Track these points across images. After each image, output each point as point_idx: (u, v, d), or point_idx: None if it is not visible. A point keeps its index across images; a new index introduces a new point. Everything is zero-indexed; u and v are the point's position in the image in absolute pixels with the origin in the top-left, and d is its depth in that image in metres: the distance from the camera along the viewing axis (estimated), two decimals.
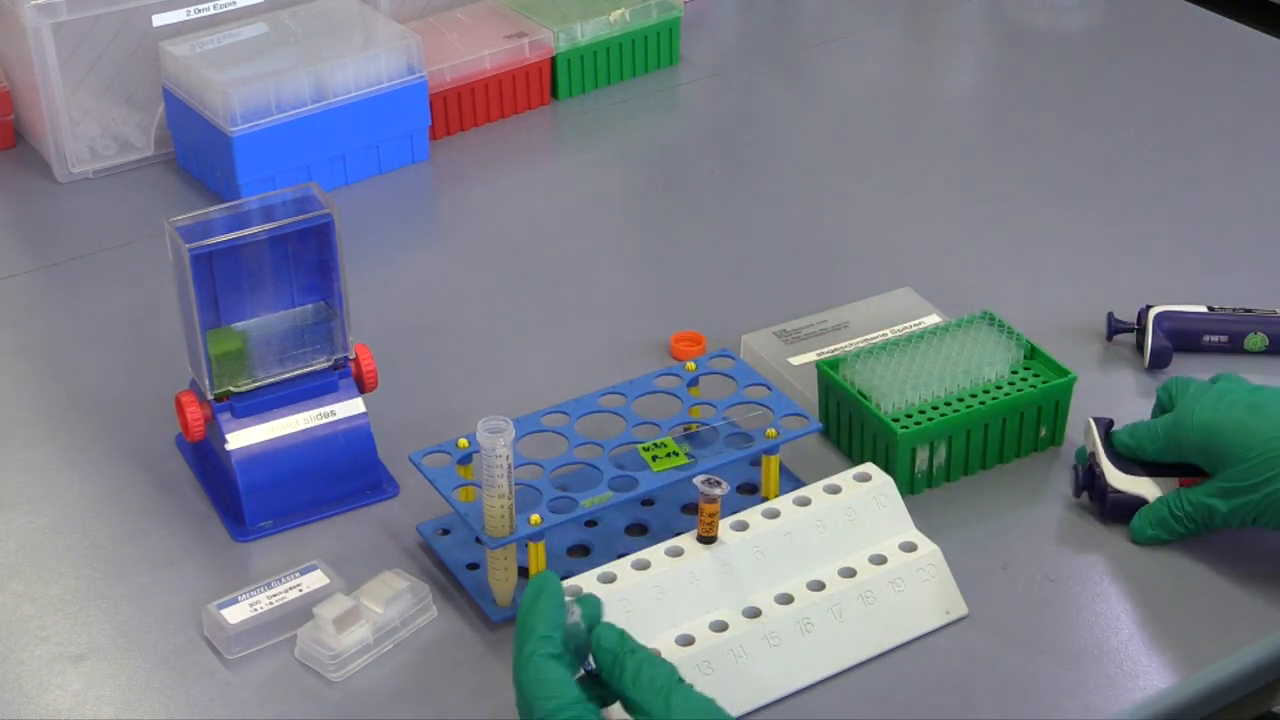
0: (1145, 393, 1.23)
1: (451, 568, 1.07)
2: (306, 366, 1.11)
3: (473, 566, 1.07)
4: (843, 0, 1.87)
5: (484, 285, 1.38)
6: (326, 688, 0.99)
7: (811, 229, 1.46)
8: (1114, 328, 1.27)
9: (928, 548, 1.03)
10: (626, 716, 0.87)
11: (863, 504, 1.03)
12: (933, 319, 1.27)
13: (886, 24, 1.82)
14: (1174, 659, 1.01)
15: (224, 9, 1.52)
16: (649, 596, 0.96)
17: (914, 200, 1.50)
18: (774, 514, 1.01)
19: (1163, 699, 0.99)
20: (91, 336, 1.33)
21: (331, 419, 1.11)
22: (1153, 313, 1.25)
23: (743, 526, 1.00)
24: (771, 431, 1.08)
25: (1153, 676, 1.00)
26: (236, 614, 1.01)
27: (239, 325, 1.09)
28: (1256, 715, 1.08)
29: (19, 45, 1.48)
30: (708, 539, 0.99)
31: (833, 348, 1.24)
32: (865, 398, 1.13)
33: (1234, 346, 1.26)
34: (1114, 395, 1.22)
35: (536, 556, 1.01)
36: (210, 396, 1.08)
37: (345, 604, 1.00)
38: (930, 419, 1.12)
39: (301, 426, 1.10)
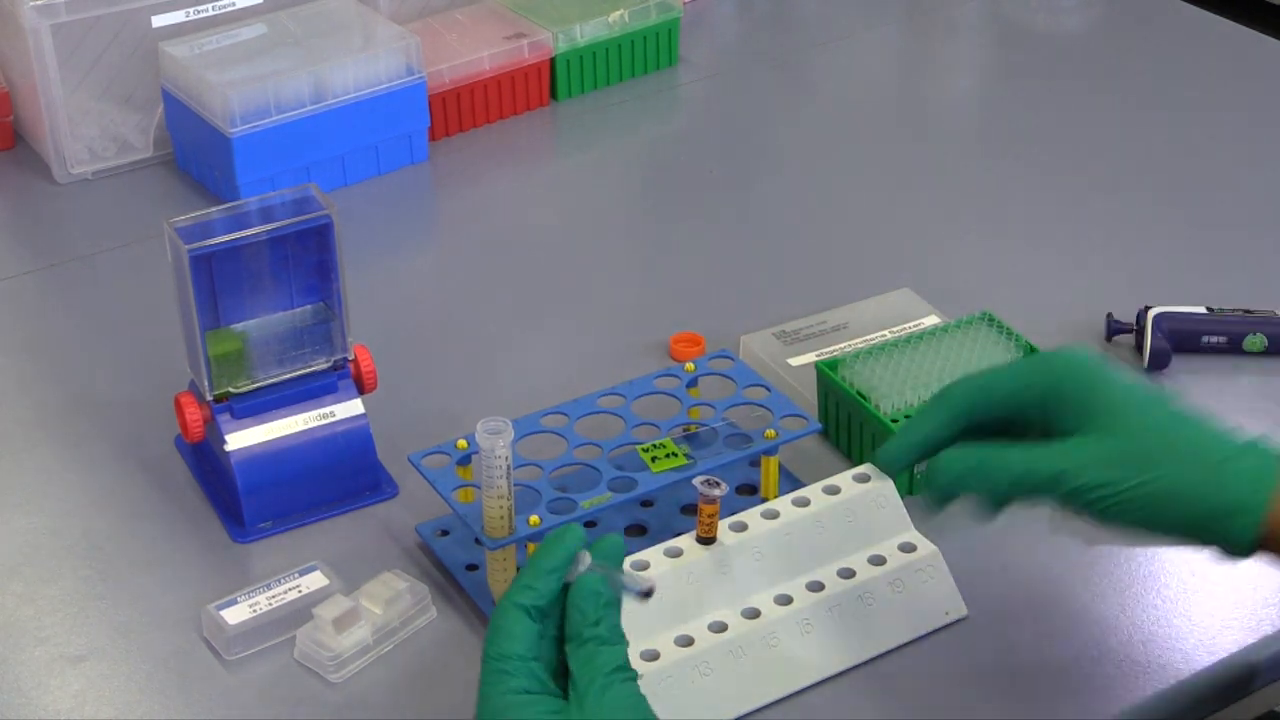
0: None
1: (451, 569, 1.07)
2: (306, 367, 1.11)
3: (472, 567, 1.07)
4: (843, 0, 1.87)
5: (483, 286, 1.38)
6: (326, 689, 0.99)
7: (811, 229, 1.46)
8: (1113, 328, 1.27)
9: (927, 548, 1.03)
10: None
11: (862, 505, 1.03)
12: (932, 320, 1.27)
13: (886, 24, 1.82)
14: (1173, 659, 1.01)
15: (223, 10, 1.52)
16: None
17: (913, 200, 1.50)
18: (773, 515, 1.01)
19: (1162, 699, 0.99)
20: (91, 337, 1.33)
21: (331, 420, 1.11)
22: (1152, 313, 1.25)
23: (742, 527, 1.00)
24: (771, 432, 1.08)
25: (1152, 677, 1.00)
26: (236, 615, 1.01)
27: (238, 326, 1.09)
28: (1257, 715, 1.08)
29: (18, 46, 1.48)
30: (707, 540, 0.99)
31: (832, 348, 1.24)
32: (864, 398, 1.13)
33: (1233, 347, 1.26)
34: None
35: None
36: (209, 397, 1.08)
37: (344, 605, 1.00)
38: None
39: (301, 427, 1.10)
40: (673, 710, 0.93)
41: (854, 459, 1.15)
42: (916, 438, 0.96)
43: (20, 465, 1.18)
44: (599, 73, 1.67)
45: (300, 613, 1.02)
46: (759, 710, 0.97)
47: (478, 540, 1.01)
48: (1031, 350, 1.17)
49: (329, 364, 1.11)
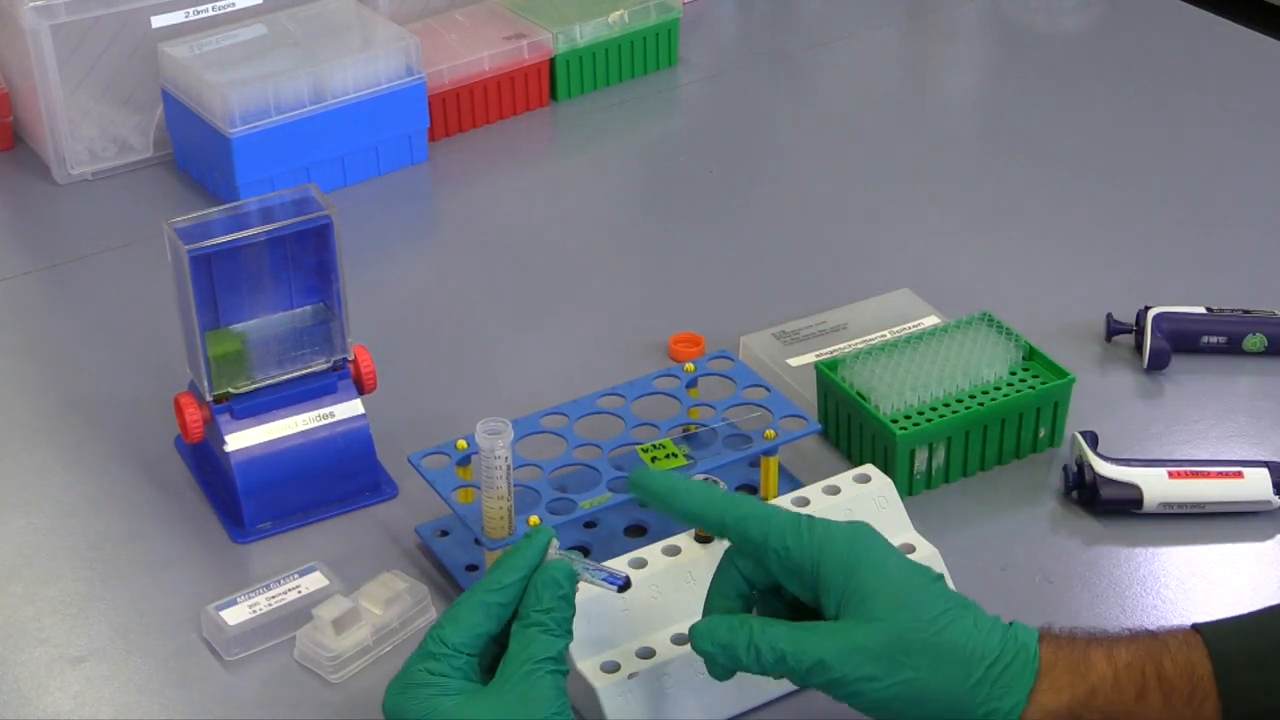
0: (1144, 394, 1.23)
1: (450, 569, 1.07)
2: (305, 368, 1.11)
3: (472, 568, 1.07)
4: (842, 1, 1.87)
5: (483, 287, 1.38)
6: (325, 689, 0.99)
7: (810, 230, 1.46)
8: (1113, 329, 1.27)
9: (927, 549, 1.03)
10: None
11: (862, 505, 1.03)
12: (931, 320, 1.27)
13: (886, 25, 1.82)
14: None
15: (223, 10, 1.52)
16: (646, 595, 0.96)
17: (913, 201, 1.50)
18: None
19: None
20: (90, 338, 1.33)
21: (330, 420, 1.11)
22: (1151, 314, 1.25)
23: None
24: (770, 433, 1.08)
25: None
26: (235, 615, 1.01)
27: (238, 327, 1.09)
28: None
29: (18, 47, 1.48)
30: (705, 538, 0.99)
31: (832, 349, 1.24)
32: (864, 399, 1.13)
33: (1233, 347, 1.26)
34: (1113, 396, 1.23)
35: None
36: (209, 398, 1.08)
37: (344, 605, 1.00)
38: (929, 420, 1.12)
39: (300, 428, 1.10)
40: (671, 709, 0.94)
41: (854, 459, 1.15)
42: (720, 609, 0.90)
43: (20, 465, 1.18)
44: (599, 73, 1.67)
45: (300, 613, 1.02)
46: (758, 709, 0.97)
47: (477, 541, 1.01)
48: (1031, 351, 1.17)
49: (329, 364, 1.11)
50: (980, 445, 1.14)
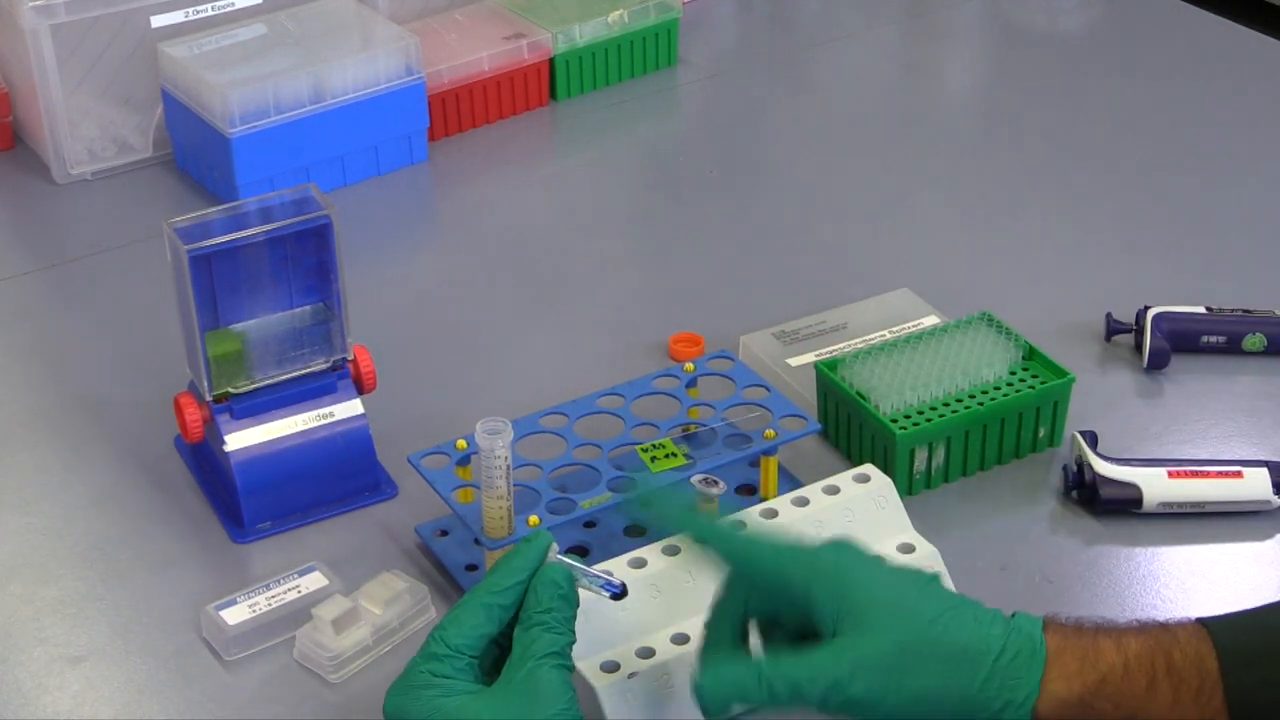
0: (1144, 394, 1.23)
1: (450, 569, 1.07)
2: (305, 368, 1.11)
3: (471, 568, 1.07)
4: (842, 0, 1.87)
5: (482, 287, 1.38)
6: (325, 689, 0.99)
7: (810, 229, 1.46)
8: (1112, 328, 1.27)
9: (926, 549, 1.03)
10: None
11: (861, 505, 1.03)
12: (931, 320, 1.27)
13: (886, 24, 1.82)
14: None
15: (222, 10, 1.52)
16: (646, 595, 0.96)
17: (913, 201, 1.50)
18: (772, 514, 1.01)
19: None
20: (90, 338, 1.33)
21: (330, 420, 1.11)
22: (1151, 313, 1.25)
23: (741, 526, 1.00)
24: (770, 432, 1.08)
25: None
26: (235, 615, 1.01)
27: (238, 326, 1.09)
28: None
29: (17, 46, 1.48)
30: None
31: (831, 349, 1.24)
32: (864, 399, 1.13)
33: (1232, 347, 1.26)
34: (1112, 396, 1.23)
35: None
36: (209, 398, 1.08)
37: (344, 605, 1.00)
38: (929, 420, 1.12)
39: (300, 428, 1.10)
40: (671, 709, 0.93)
41: (854, 459, 1.15)
42: (722, 641, 0.90)
43: (20, 465, 1.18)
44: (598, 73, 1.67)
45: (300, 613, 1.02)
46: (758, 710, 0.97)
47: (477, 540, 1.01)
48: (1031, 351, 1.17)
49: (328, 364, 1.11)
50: (980, 445, 1.14)
